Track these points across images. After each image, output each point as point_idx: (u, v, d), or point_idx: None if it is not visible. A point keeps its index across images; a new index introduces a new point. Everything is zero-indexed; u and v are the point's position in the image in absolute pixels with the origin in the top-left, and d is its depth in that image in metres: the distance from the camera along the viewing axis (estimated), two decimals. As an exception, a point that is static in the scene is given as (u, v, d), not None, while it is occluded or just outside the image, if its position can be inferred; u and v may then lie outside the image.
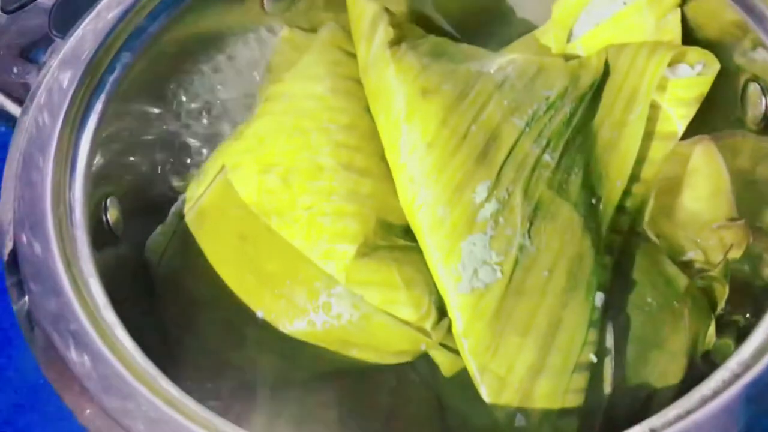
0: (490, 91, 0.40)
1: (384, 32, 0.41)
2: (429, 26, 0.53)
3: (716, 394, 0.30)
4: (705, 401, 0.30)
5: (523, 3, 0.53)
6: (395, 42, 0.41)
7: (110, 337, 0.33)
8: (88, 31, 0.42)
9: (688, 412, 0.29)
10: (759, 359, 0.31)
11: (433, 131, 0.39)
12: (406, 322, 0.38)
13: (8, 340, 0.49)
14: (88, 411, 0.32)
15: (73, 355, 0.32)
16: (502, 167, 0.39)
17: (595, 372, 0.39)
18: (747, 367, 0.31)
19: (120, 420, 0.31)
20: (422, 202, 0.39)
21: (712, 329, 0.42)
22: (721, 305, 0.42)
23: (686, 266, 0.46)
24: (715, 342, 0.42)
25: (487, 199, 0.38)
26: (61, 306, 0.33)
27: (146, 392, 0.32)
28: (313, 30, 0.50)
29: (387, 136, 0.40)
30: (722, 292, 0.42)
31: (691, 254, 0.46)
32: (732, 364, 0.32)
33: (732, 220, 0.45)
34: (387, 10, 0.42)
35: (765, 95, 0.41)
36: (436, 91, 0.40)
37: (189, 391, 0.34)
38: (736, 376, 0.30)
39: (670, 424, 0.29)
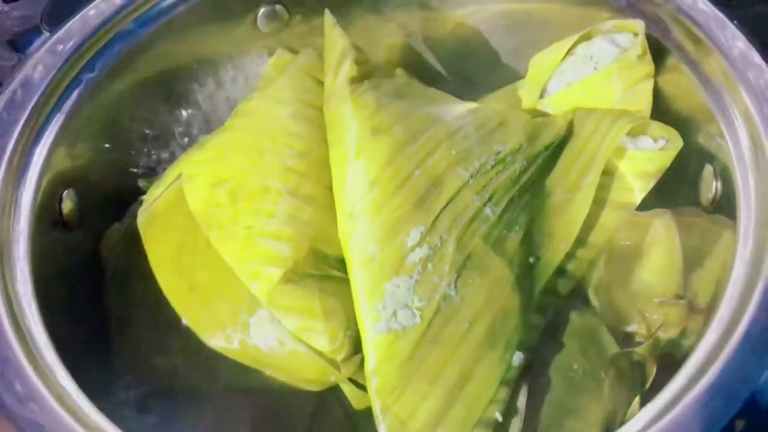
0: (440, 139, 0.41)
1: (349, 67, 0.42)
2: (419, 64, 0.54)
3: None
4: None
5: (514, 54, 0.53)
6: (357, 79, 0.42)
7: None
8: (75, 28, 0.44)
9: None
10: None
11: (377, 170, 0.39)
12: (319, 353, 0.38)
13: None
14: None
15: None
16: (439, 215, 0.39)
17: (500, 430, 0.39)
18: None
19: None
20: (357, 237, 0.39)
21: (635, 404, 0.42)
22: (650, 382, 0.42)
23: (627, 337, 0.45)
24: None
25: (419, 244, 0.39)
26: None
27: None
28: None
29: (336, 169, 0.41)
30: (651, 370, 0.42)
31: (635, 326, 0.46)
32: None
33: (678, 297, 0.45)
34: (355, 46, 0.43)
35: (716, 179, 0.40)
36: (387, 131, 0.40)
37: (117, 388, 0.36)
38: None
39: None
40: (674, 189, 0.44)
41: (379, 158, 0.40)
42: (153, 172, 0.49)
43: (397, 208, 0.39)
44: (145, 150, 0.49)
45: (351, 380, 0.39)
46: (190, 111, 0.50)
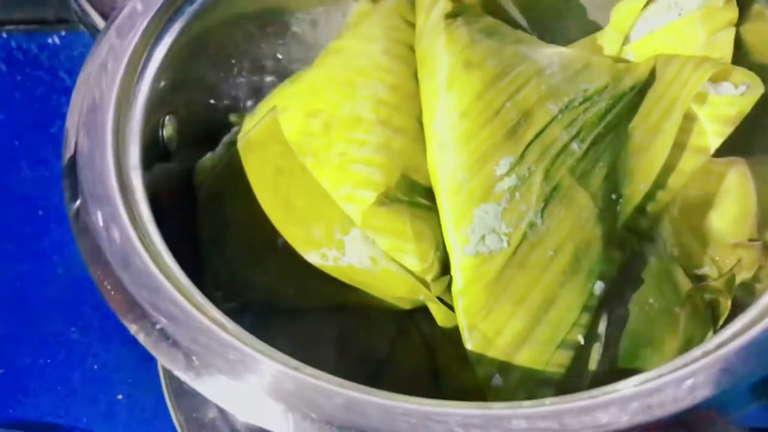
0: (530, 74, 0.42)
1: (443, 4, 0.44)
2: (499, 13, 0.55)
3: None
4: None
5: (593, 4, 0.54)
6: (451, 15, 0.43)
7: (149, 245, 0.36)
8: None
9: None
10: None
11: (468, 102, 0.41)
12: (410, 271, 0.40)
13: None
14: (124, 304, 0.35)
15: (114, 257, 0.35)
16: (528, 146, 0.41)
17: (582, 354, 0.41)
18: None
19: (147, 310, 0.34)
20: (447, 166, 0.41)
21: (709, 339, 0.43)
22: (722, 320, 0.43)
23: (699, 279, 0.47)
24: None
25: (508, 173, 0.40)
26: (108, 215, 0.37)
27: (174, 292, 0.35)
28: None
29: (426, 101, 0.43)
30: (725, 306, 0.43)
31: (707, 269, 0.47)
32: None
33: (752, 241, 0.46)
34: (451, -15, 0.45)
35: (800, 123, 0.41)
36: (479, 65, 0.42)
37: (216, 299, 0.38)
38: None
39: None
40: (752, 137, 0.45)
41: (471, 91, 0.41)
42: (244, 107, 0.51)
43: (487, 138, 0.41)
44: (239, 83, 0.51)
45: (439, 299, 0.41)
46: (283, 48, 0.52)
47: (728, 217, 0.47)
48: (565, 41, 0.53)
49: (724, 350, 0.33)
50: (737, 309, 0.43)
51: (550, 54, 0.45)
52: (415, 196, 0.42)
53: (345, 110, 0.44)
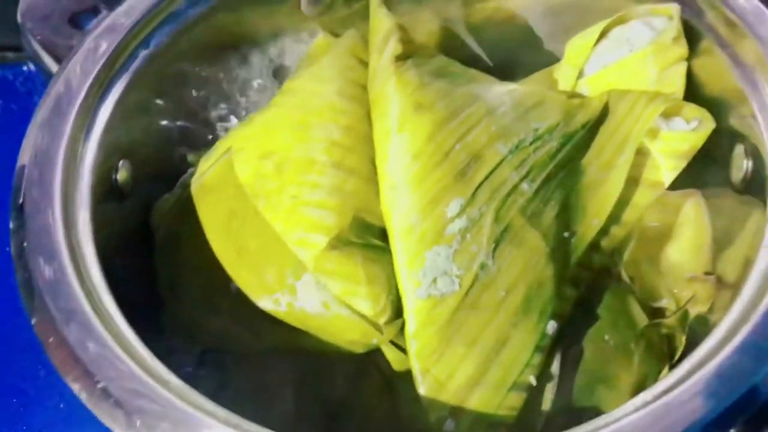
0: (480, 115, 0.43)
1: (393, 46, 0.44)
2: (458, 48, 0.55)
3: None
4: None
5: (551, 37, 0.55)
6: (402, 57, 0.44)
7: (96, 301, 0.36)
8: (131, 7, 0.46)
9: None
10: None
11: (419, 144, 0.41)
12: (363, 316, 0.40)
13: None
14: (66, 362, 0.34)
15: (59, 312, 0.35)
16: (478, 188, 0.41)
17: (535, 394, 0.41)
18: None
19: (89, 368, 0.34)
20: (399, 207, 0.41)
21: (664, 375, 0.43)
22: (678, 355, 0.43)
23: (657, 312, 0.47)
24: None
25: (459, 215, 0.40)
26: (55, 268, 0.37)
27: (118, 349, 0.35)
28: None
29: (379, 142, 0.43)
30: (680, 341, 0.43)
31: (664, 302, 0.47)
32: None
33: (707, 274, 0.46)
34: (400, 26, 0.45)
35: (747, 159, 0.41)
36: (429, 107, 0.42)
37: (167, 349, 0.37)
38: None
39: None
40: (705, 169, 0.45)
41: (421, 133, 0.41)
42: (201, 146, 0.51)
43: (438, 180, 0.41)
44: (195, 125, 0.51)
45: (392, 343, 0.41)
46: (235, 89, 0.52)
47: (685, 249, 0.47)
48: (524, 73, 0.54)
49: (672, 395, 0.33)
50: (692, 342, 0.43)
51: (502, 92, 0.45)
52: (368, 238, 0.42)
53: (298, 152, 0.44)
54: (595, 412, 0.42)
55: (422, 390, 0.39)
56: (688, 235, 0.48)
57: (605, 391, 0.42)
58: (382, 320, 0.40)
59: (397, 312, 0.40)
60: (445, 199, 0.41)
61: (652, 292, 0.47)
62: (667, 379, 0.34)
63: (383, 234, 0.42)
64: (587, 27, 0.49)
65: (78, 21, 0.48)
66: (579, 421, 0.40)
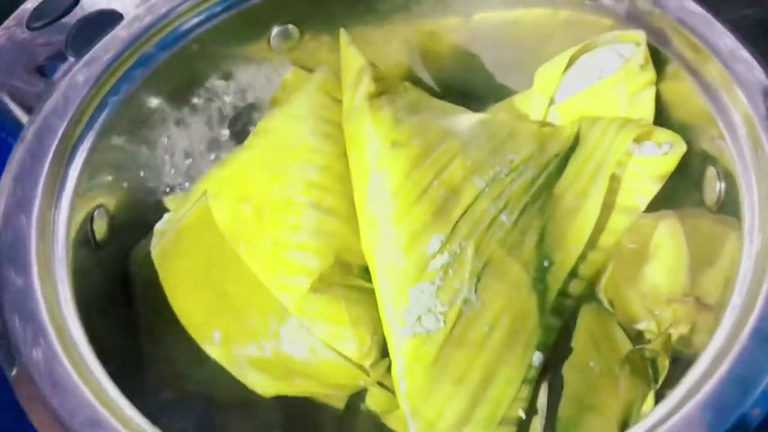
0: (455, 150, 0.43)
1: (366, 85, 0.44)
2: (414, 81, 0.56)
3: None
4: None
5: (503, 71, 0.56)
6: (376, 95, 0.44)
7: (78, 363, 0.36)
8: (99, 54, 0.46)
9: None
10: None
11: (397, 182, 0.41)
12: (348, 359, 0.40)
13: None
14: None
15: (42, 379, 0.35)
16: (457, 223, 0.41)
17: (523, 428, 0.41)
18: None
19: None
20: (380, 246, 0.41)
21: (650, 400, 0.43)
22: (662, 377, 0.44)
23: (639, 335, 0.47)
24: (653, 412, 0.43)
25: (440, 251, 0.41)
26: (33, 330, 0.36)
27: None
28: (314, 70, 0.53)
29: (357, 182, 0.43)
30: (663, 365, 0.44)
31: (644, 324, 0.47)
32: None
33: (685, 295, 0.46)
34: (372, 64, 0.45)
35: (720, 180, 0.42)
36: (405, 144, 0.42)
37: (150, 401, 0.37)
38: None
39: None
40: (679, 192, 0.46)
41: (399, 171, 0.41)
42: (176, 190, 0.51)
43: (418, 217, 0.41)
44: (169, 169, 0.50)
45: (379, 383, 0.41)
46: (208, 129, 0.52)
47: (662, 270, 0.48)
48: (490, 102, 0.54)
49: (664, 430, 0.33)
50: (676, 363, 0.43)
51: (474, 124, 0.45)
52: (351, 278, 0.42)
53: (276, 194, 0.44)
54: (585, 441, 0.42)
55: (413, 431, 0.39)
56: (664, 257, 0.48)
57: (593, 418, 0.43)
58: (368, 362, 0.40)
59: (383, 352, 0.40)
60: (425, 235, 0.41)
61: (631, 314, 0.48)
62: (655, 413, 0.34)
63: (366, 273, 0.42)
64: (551, 56, 0.49)
65: (45, 69, 0.48)
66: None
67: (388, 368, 0.40)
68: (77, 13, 0.49)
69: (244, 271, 0.42)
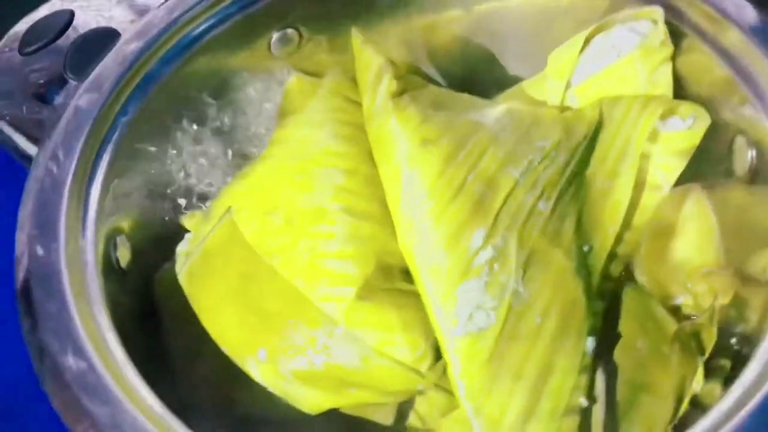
0: (486, 143, 0.42)
1: (388, 84, 0.43)
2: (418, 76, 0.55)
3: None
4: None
5: (507, 60, 0.55)
6: (398, 93, 0.43)
7: (127, 386, 0.35)
8: (103, 76, 0.44)
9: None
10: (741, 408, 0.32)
11: (431, 180, 0.40)
12: (403, 364, 0.39)
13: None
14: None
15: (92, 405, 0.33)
16: (497, 215, 0.41)
17: (586, 417, 0.40)
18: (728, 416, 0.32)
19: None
20: (421, 247, 0.40)
21: (700, 373, 0.43)
22: (709, 350, 0.44)
23: (675, 311, 0.47)
24: (703, 386, 0.43)
25: (483, 246, 0.40)
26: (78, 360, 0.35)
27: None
28: (317, 74, 0.52)
29: (388, 183, 0.42)
30: (710, 338, 0.43)
31: (681, 299, 0.47)
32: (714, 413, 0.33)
33: (721, 267, 0.46)
34: (392, 62, 0.44)
35: (751, 148, 0.42)
36: (436, 141, 0.41)
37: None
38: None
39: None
40: (707, 164, 0.46)
41: (432, 169, 0.40)
42: (194, 208, 0.49)
43: (457, 214, 0.40)
44: (184, 188, 0.49)
45: (436, 386, 0.40)
46: (219, 142, 0.51)
47: (692, 244, 0.48)
48: (498, 90, 0.54)
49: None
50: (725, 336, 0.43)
51: (499, 115, 0.45)
52: (394, 282, 0.41)
53: (305, 203, 0.42)
54: (642, 422, 0.42)
55: (477, 430, 0.38)
56: (692, 230, 0.48)
57: (647, 398, 0.42)
58: (424, 365, 0.39)
59: (438, 354, 0.39)
60: (466, 231, 0.40)
61: (665, 290, 0.47)
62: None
63: (407, 275, 0.41)
64: (562, 39, 0.49)
65: (45, 95, 0.46)
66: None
67: (445, 370, 0.39)
68: (71, 35, 0.47)
69: (282, 285, 0.41)
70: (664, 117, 0.45)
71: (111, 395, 0.34)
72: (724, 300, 0.45)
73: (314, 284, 0.40)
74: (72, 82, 0.45)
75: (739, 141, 0.43)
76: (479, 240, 0.40)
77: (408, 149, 0.41)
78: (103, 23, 0.48)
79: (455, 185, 0.40)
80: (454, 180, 0.41)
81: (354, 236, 0.41)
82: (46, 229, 0.39)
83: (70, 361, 0.35)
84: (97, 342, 0.36)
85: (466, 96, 0.47)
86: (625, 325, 0.44)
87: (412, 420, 0.44)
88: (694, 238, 0.48)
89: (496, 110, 0.45)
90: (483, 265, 0.39)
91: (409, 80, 0.44)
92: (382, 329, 0.39)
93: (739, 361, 0.39)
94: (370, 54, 0.44)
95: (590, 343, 0.41)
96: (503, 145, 0.42)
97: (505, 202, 0.41)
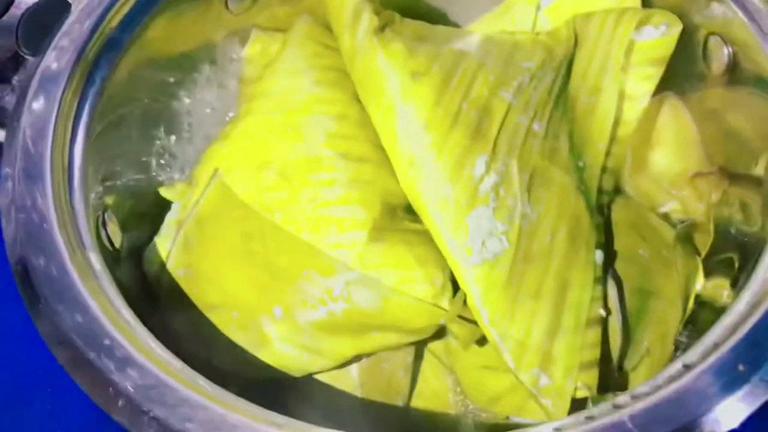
0: (475, 69, 0.42)
1: (368, 20, 0.42)
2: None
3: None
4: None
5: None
6: (380, 29, 0.42)
7: (143, 345, 0.33)
8: (62, 46, 0.41)
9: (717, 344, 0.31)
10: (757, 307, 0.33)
11: (427, 113, 0.40)
12: (423, 300, 0.39)
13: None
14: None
15: (112, 368, 0.32)
16: (496, 140, 0.40)
17: (604, 326, 0.41)
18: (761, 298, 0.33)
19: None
20: (425, 182, 0.39)
21: (700, 273, 0.44)
22: (706, 250, 0.45)
23: (665, 218, 0.48)
24: (707, 284, 0.44)
25: (486, 172, 0.39)
26: (89, 322, 0.33)
27: (195, 395, 0.32)
28: (275, 28, 0.50)
29: (381, 121, 0.41)
30: (706, 238, 0.45)
31: (669, 205, 0.48)
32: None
33: (705, 169, 0.48)
34: (367, -3, 0.42)
35: (726, 46, 0.43)
36: (426, 73, 0.40)
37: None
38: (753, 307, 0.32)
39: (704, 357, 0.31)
40: (681, 72, 0.46)
41: (426, 100, 0.40)
42: (172, 176, 0.47)
43: (457, 143, 0.40)
44: (159, 157, 0.47)
45: (459, 317, 0.40)
46: (189, 107, 0.49)
47: (670, 151, 0.49)
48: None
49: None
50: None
51: (479, 42, 0.44)
52: (400, 221, 0.40)
53: (297, 154, 0.41)
54: (655, 328, 0.43)
55: (506, 354, 0.38)
56: (670, 138, 0.49)
57: (656, 302, 0.43)
58: (444, 298, 0.38)
59: (456, 286, 0.39)
60: (468, 160, 0.39)
61: (651, 199, 0.48)
62: None
63: (411, 212, 0.41)
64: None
65: (2, 74, 0.43)
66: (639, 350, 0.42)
67: (464, 301, 0.39)
68: (19, 9, 0.44)
69: (288, 239, 0.40)
70: (637, 27, 0.45)
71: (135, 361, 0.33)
72: (715, 198, 0.46)
73: (322, 234, 0.39)
74: (29, 59, 0.42)
75: (713, 41, 0.44)
76: (482, 167, 0.40)
77: (399, 84, 0.40)
78: (47, -6, 0.45)
79: (451, 115, 0.40)
80: (450, 109, 0.40)
81: (356, 180, 0.40)
82: (36, 216, 0.36)
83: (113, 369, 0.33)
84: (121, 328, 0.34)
85: (441, 27, 0.46)
86: (623, 236, 0.45)
87: (429, 359, 0.43)
88: (673, 145, 0.49)
89: (475, 38, 0.44)
90: (489, 192, 0.39)
91: (386, 15, 0.43)
92: (399, 267, 0.38)
93: (746, 257, 0.40)
94: (344, -8, 0.43)
95: (599, 255, 0.41)
96: (492, 70, 0.42)
97: (501, 126, 0.41)
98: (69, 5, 0.44)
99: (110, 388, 0.32)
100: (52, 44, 0.41)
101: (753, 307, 0.33)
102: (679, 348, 0.42)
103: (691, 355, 0.31)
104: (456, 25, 0.53)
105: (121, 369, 0.32)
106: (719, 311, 0.41)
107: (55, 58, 0.41)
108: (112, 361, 0.32)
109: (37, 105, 0.39)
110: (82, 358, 0.32)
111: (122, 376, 0.32)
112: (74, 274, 0.34)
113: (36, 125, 0.39)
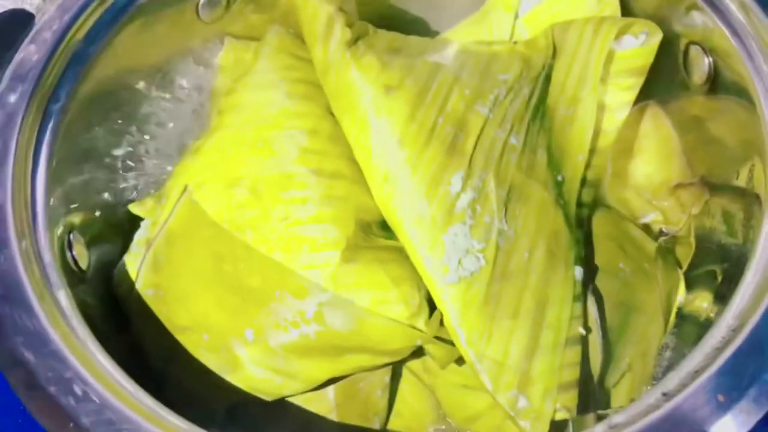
0: (450, 82, 0.41)
1: (341, 33, 0.41)
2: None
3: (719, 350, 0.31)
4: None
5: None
6: (353, 41, 0.40)
7: (107, 379, 0.32)
8: (26, 62, 0.40)
9: (697, 371, 0.30)
10: (753, 312, 0.32)
11: (401, 127, 0.39)
12: (399, 321, 0.38)
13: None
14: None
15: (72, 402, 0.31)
16: (472, 156, 0.39)
17: (584, 344, 0.40)
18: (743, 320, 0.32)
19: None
20: (399, 198, 0.38)
21: (682, 286, 0.44)
22: (687, 263, 0.44)
23: (646, 230, 0.47)
24: (689, 297, 0.43)
25: (463, 189, 0.39)
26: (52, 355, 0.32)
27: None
28: (248, 37, 0.49)
29: (355, 136, 0.40)
30: (688, 251, 0.44)
31: (651, 216, 0.48)
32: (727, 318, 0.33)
33: (686, 180, 0.47)
34: (341, 10, 0.41)
35: (707, 55, 0.42)
36: (399, 87, 0.39)
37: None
38: (734, 331, 0.32)
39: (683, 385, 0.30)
40: (662, 81, 0.46)
41: (400, 115, 0.39)
42: (141, 193, 0.46)
43: (432, 159, 0.39)
44: (130, 173, 0.45)
45: (435, 338, 0.39)
46: (161, 119, 0.47)
47: (651, 160, 0.48)
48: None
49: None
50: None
51: (454, 54, 0.43)
52: (374, 238, 0.39)
53: (270, 170, 0.40)
54: (637, 342, 0.42)
55: (483, 375, 0.37)
56: (651, 147, 0.48)
57: (638, 317, 0.43)
58: (421, 319, 0.38)
59: (432, 305, 0.38)
60: (444, 177, 0.38)
61: (633, 210, 0.48)
62: None
63: (386, 229, 0.40)
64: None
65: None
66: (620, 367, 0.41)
67: (441, 321, 0.38)
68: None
69: (260, 260, 0.39)
70: (617, 37, 0.44)
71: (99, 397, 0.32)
72: (696, 210, 0.45)
73: (294, 254, 0.38)
74: (-9, 72, 0.41)
75: (693, 51, 0.43)
76: (458, 184, 0.39)
77: (372, 98, 0.39)
78: (9, 6, 0.44)
79: (426, 130, 0.39)
80: (425, 124, 0.39)
81: (329, 197, 0.39)
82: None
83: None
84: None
85: (415, 38, 0.45)
86: (604, 250, 0.44)
87: (408, 378, 0.43)
88: (654, 155, 0.48)
89: (450, 49, 0.43)
90: (465, 209, 0.38)
91: (359, 27, 0.42)
92: (373, 288, 0.37)
93: (728, 270, 0.39)
94: (316, 4, 0.42)
95: (578, 271, 0.41)
96: (467, 84, 0.41)
97: (478, 141, 0.40)
98: (32, 17, 0.43)
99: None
100: (17, 56, 0.40)
101: (734, 331, 0.33)
102: (660, 365, 0.42)
103: (670, 382, 0.30)
104: (434, 32, 0.53)
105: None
106: (702, 325, 0.41)
107: (19, 76, 0.40)
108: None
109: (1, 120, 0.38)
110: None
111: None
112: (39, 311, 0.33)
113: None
